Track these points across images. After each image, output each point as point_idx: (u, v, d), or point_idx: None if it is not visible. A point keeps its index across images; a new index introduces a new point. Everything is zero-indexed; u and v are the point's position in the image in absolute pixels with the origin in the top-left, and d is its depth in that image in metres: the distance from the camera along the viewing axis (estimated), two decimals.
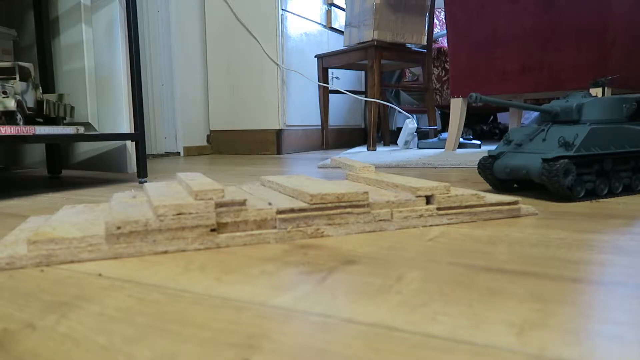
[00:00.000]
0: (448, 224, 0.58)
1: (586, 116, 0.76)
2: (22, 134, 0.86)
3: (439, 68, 2.88)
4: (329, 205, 0.53)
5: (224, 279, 0.38)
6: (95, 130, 1.21)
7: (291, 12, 2.37)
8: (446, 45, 2.85)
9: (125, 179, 1.21)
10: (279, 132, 2.35)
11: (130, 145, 1.19)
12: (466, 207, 0.59)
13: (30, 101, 1.02)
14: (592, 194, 0.73)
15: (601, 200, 0.73)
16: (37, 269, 0.42)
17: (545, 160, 0.71)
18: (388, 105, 2.69)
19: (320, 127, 2.69)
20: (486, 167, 0.82)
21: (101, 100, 1.19)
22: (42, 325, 0.30)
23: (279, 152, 2.37)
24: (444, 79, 2.88)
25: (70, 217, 0.53)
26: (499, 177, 0.81)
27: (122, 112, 1.15)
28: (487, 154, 0.83)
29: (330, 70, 2.67)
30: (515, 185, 0.85)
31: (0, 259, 0.42)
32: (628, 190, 0.77)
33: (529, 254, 0.44)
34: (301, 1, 2.45)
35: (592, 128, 0.71)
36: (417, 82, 3.06)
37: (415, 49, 2.29)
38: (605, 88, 1.41)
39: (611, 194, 0.75)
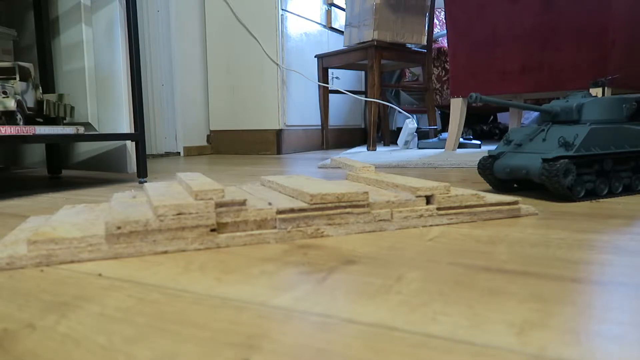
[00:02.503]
0: (448, 224, 0.58)
1: (586, 116, 0.76)
2: (22, 134, 0.86)
3: (439, 68, 2.88)
4: (329, 205, 0.53)
5: (224, 279, 0.38)
6: (95, 130, 1.21)
7: (291, 12, 2.37)
8: (446, 45, 2.85)
9: (125, 179, 1.21)
10: (279, 132, 2.35)
11: (130, 145, 1.19)
12: (466, 207, 0.59)
13: (30, 101, 1.02)
14: (592, 194, 0.73)
15: (601, 200, 0.73)
16: (37, 269, 0.42)
17: (545, 160, 0.70)
18: (388, 105, 2.69)
19: (320, 127, 2.69)
20: (486, 167, 0.82)
21: (101, 100, 1.19)
22: (42, 325, 0.30)
23: (279, 152, 2.37)
24: (444, 79, 2.88)
25: (70, 217, 0.53)
26: (499, 177, 0.81)
27: (122, 112, 1.15)
28: (487, 154, 0.83)
29: (330, 70, 2.67)
30: (515, 185, 0.84)
31: (0, 259, 0.42)
32: (628, 190, 0.77)
33: (529, 254, 0.44)
34: (301, 1, 2.45)
35: (592, 128, 0.71)
36: (417, 82, 3.06)
37: (415, 49, 2.29)
38: (605, 88, 1.41)
39: (611, 194, 0.75)
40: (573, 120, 0.77)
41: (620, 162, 0.75)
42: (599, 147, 0.72)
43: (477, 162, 1.13)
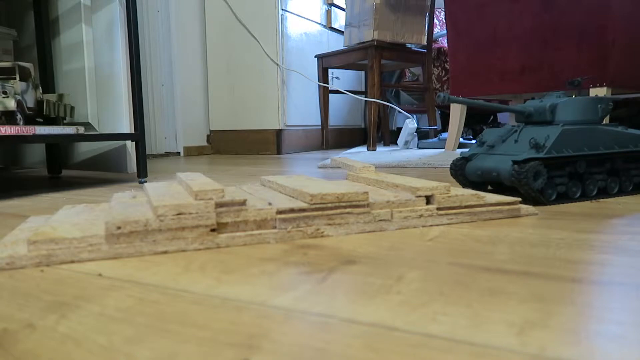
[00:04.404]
0: (448, 224, 0.58)
1: (560, 117, 0.74)
2: (22, 134, 0.86)
3: (439, 68, 2.88)
4: (329, 205, 0.53)
5: (224, 279, 0.38)
6: (95, 130, 1.21)
7: (291, 12, 2.37)
8: (446, 45, 2.85)
9: (125, 179, 1.21)
10: (279, 132, 2.35)
11: (130, 145, 1.19)
12: (466, 207, 0.59)
13: (30, 101, 1.02)
14: (565, 197, 0.71)
15: (601, 200, 0.73)
16: (37, 269, 0.42)
17: (515, 163, 0.68)
18: (388, 105, 2.69)
19: (320, 127, 2.69)
20: (458, 169, 0.79)
21: (101, 100, 1.19)
22: (42, 325, 0.30)
23: (279, 152, 2.37)
24: (444, 79, 2.88)
25: (70, 217, 0.53)
26: (471, 180, 0.78)
27: (122, 112, 1.15)
28: (459, 156, 0.81)
29: (330, 70, 2.67)
30: (489, 188, 0.82)
31: (0, 259, 0.42)
32: (604, 193, 0.74)
33: (529, 254, 0.44)
34: (301, 1, 2.45)
35: (565, 129, 0.69)
36: (417, 82, 3.06)
37: (415, 49, 2.29)
38: (606, 89, 1.41)
39: (584, 197, 0.72)
40: (547, 121, 0.75)
41: (594, 164, 0.72)
42: (572, 148, 0.69)
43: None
